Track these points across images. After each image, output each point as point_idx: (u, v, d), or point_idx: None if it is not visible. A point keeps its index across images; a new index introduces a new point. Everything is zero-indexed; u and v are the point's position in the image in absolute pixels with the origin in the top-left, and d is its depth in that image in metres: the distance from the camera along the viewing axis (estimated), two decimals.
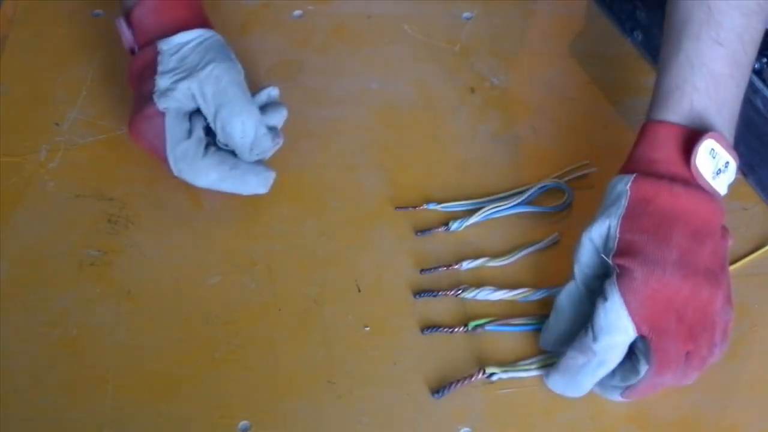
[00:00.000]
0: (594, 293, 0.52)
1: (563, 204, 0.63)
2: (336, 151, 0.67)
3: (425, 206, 0.63)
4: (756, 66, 0.61)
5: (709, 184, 0.51)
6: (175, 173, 0.60)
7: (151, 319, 0.58)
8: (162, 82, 0.59)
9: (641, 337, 0.49)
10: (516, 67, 0.73)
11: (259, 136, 0.61)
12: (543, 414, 0.54)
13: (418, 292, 0.59)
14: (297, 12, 0.77)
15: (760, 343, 0.57)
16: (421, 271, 0.60)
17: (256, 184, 0.62)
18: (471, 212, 0.62)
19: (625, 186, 0.51)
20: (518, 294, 0.58)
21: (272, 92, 0.65)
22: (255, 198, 0.64)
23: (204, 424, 0.54)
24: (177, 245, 0.62)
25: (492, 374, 0.55)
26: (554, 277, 0.58)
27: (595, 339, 0.49)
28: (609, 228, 0.51)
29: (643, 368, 0.50)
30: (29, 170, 0.65)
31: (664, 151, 0.51)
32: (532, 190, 0.63)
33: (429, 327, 0.57)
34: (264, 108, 0.64)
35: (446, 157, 0.67)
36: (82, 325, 0.58)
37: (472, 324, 0.57)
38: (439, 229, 0.62)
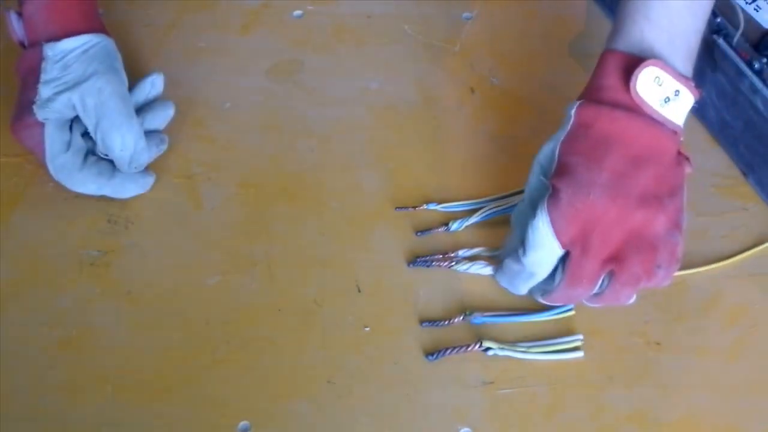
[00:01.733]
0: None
1: None
2: (336, 151, 0.67)
3: (425, 206, 0.63)
4: (756, 66, 0.61)
5: (656, 112, 0.51)
6: (55, 179, 0.61)
7: (151, 319, 0.58)
8: (44, 91, 0.59)
9: (568, 252, 0.51)
10: (516, 67, 0.73)
11: (138, 150, 0.61)
12: (543, 414, 0.54)
13: (412, 261, 0.60)
14: (297, 12, 0.77)
15: (760, 343, 0.57)
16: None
17: (134, 189, 0.63)
18: (471, 212, 0.62)
19: (570, 111, 0.53)
20: None
21: (156, 80, 0.66)
22: (255, 198, 0.64)
23: (204, 425, 0.54)
24: (177, 245, 0.62)
25: (488, 348, 0.55)
26: None
27: (524, 253, 0.52)
28: (552, 150, 0.53)
29: (558, 278, 0.52)
30: (29, 170, 0.65)
31: (610, 79, 0.52)
32: None
33: (428, 321, 0.57)
34: (150, 106, 0.65)
35: (446, 157, 0.67)
36: (82, 325, 0.58)
37: (471, 315, 0.57)
38: (439, 230, 0.62)
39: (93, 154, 0.62)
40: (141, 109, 0.65)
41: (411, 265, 0.60)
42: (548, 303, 0.55)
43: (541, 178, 0.53)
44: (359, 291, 0.59)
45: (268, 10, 0.77)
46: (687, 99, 0.52)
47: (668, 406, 0.54)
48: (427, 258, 0.60)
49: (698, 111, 0.68)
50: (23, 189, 0.64)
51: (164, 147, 0.65)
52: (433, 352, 0.56)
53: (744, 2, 0.64)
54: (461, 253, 0.60)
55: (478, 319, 0.57)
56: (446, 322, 0.57)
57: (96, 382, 0.55)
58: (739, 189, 0.65)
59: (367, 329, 0.58)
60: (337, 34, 0.75)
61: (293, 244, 0.62)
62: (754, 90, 0.61)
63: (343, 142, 0.68)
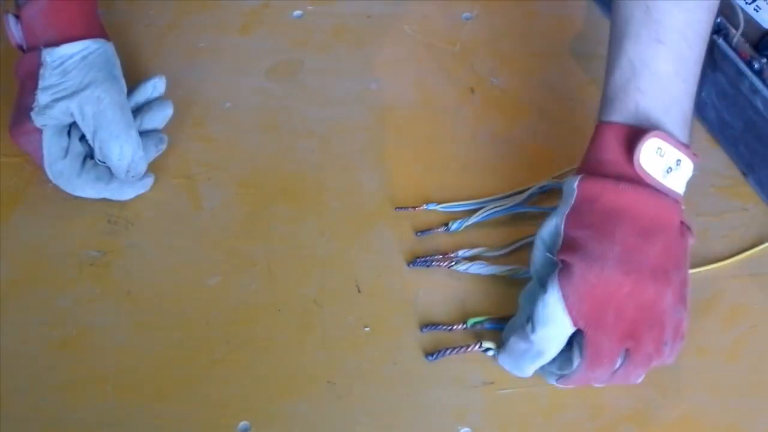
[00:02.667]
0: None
1: None
2: (336, 151, 0.67)
3: (425, 206, 0.63)
4: (756, 66, 0.61)
5: (660, 183, 0.50)
6: (53, 182, 0.61)
7: (151, 319, 0.58)
8: (42, 98, 0.59)
9: (579, 331, 0.50)
10: (516, 67, 0.73)
11: (136, 159, 0.61)
12: (543, 414, 0.54)
13: (412, 261, 0.60)
14: (297, 12, 0.77)
15: (760, 343, 0.57)
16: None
17: (133, 191, 0.63)
18: (471, 212, 0.62)
19: (572, 185, 0.52)
20: (510, 270, 0.59)
21: (158, 83, 0.66)
22: (255, 198, 0.64)
23: (204, 425, 0.54)
24: (177, 245, 0.62)
25: (488, 349, 0.55)
26: None
27: (533, 330, 0.50)
28: (556, 226, 0.52)
29: (576, 360, 0.50)
30: (29, 170, 0.65)
31: (611, 152, 0.51)
32: (532, 191, 0.63)
33: (428, 325, 0.57)
34: (149, 106, 0.65)
35: (446, 157, 0.67)
36: (82, 325, 0.58)
37: (471, 321, 0.57)
38: (439, 230, 0.62)
39: (91, 158, 0.62)
40: (140, 109, 0.65)
41: (411, 265, 0.60)
42: (563, 387, 0.53)
43: (548, 254, 0.52)
44: (359, 291, 0.59)
45: (268, 10, 0.77)
46: (688, 168, 0.51)
47: (668, 406, 0.54)
48: (427, 258, 0.60)
49: (698, 111, 0.68)
50: (23, 189, 0.64)
51: (164, 147, 0.65)
52: (432, 353, 0.56)
53: (744, 2, 0.64)
54: (461, 253, 0.60)
55: (481, 326, 0.57)
56: (447, 328, 0.57)
57: (96, 382, 0.55)
58: (739, 189, 0.65)
59: (367, 329, 0.58)
60: (337, 34, 0.75)
61: (293, 244, 0.62)
62: (754, 90, 0.61)
63: (343, 142, 0.68)
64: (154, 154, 0.64)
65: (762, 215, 0.63)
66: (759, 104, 0.61)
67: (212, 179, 0.65)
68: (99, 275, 0.60)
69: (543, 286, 0.52)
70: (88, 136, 0.60)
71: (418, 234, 0.62)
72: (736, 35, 0.63)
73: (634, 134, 0.51)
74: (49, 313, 0.58)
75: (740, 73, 0.62)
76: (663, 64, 0.52)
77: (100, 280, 0.60)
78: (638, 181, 0.50)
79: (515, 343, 0.53)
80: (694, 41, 0.52)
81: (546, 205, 0.63)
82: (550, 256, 0.52)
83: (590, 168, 0.52)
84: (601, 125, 0.53)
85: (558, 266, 0.50)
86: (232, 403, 0.54)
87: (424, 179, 0.65)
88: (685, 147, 0.51)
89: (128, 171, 0.61)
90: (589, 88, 0.71)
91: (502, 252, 0.61)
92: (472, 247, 0.61)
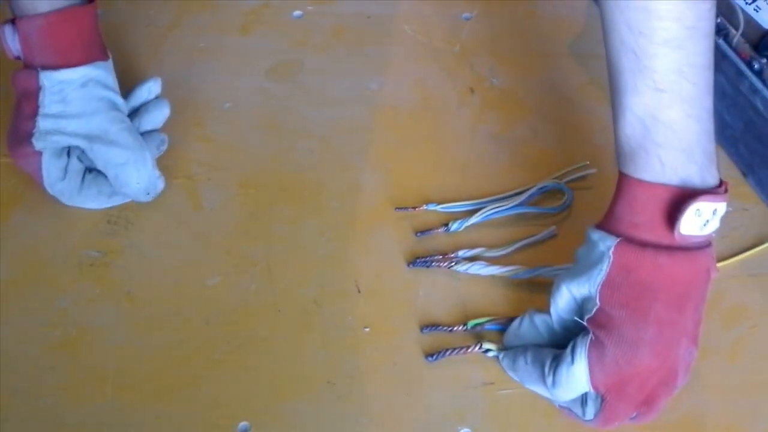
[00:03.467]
0: (566, 327, 0.53)
1: (563, 205, 0.63)
2: (336, 151, 0.67)
3: (425, 207, 0.63)
4: (756, 66, 0.61)
5: (698, 237, 0.48)
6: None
7: (151, 320, 0.58)
8: (43, 124, 0.59)
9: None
10: (516, 67, 0.73)
11: (154, 179, 0.61)
12: (543, 414, 0.54)
13: (412, 261, 0.60)
14: (297, 12, 0.77)
15: (760, 343, 0.57)
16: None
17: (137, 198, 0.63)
18: (471, 213, 0.62)
19: (607, 250, 0.49)
20: (510, 270, 0.59)
21: (153, 87, 0.65)
22: (255, 198, 0.64)
23: (204, 425, 0.54)
24: (177, 245, 0.62)
25: (488, 350, 0.55)
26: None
27: (553, 385, 0.51)
28: (589, 292, 0.50)
29: (590, 414, 0.51)
30: None
31: (645, 214, 0.49)
32: (532, 191, 0.63)
33: (429, 326, 0.57)
34: (145, 107, 0.64)
35: (446, 158, 0.67)
36: (81, 326, 0.58)
37: (471, 323, 0.57)
38: (439, 230, 0.62)
39: (90, 172, 0.62)
40: (137, 111, 0.65)
41: (411, 266, 0.60)
42: (567, 418, 0.53)
43: (576, 319, 0.51)
44: (359, 291, 0.59)
45: (268, 11, 0.77)
46: (722, 210, 0.49)
47: (669, 406, 0.54)
48: (427, 258, 0.60)
49: None
50: (23, 189, 0.64)
51: (164, 148, 0.65)
52: (432, 353, 0.56)
53: (744, 2, 0.64)
54: (461, 253, 0.60)
55: (482, 327, 0.57)
56: (448, 329, 0.57)
57: (96, 382, 0.55)
58: (739, 189, 0.64)
59: (367, 330, 0.58)
60: (337, 34, 0.75)
61: (293, 244, 0.62)
62: (754, 90, 0.61)
63: (343, 143, 0.68)
64: (155, 155, 0.64)
65: (762, 215, 0.63)
66: (759, 104, 0.61)
67: (212, 179, 0.65)
68: (99, 275, 0.60)
69: (562, 326, 0.53)
70: (100, 167, 0.60)
71: (418, 234, 0.62)
72: (736, 35, 0.63)
73: (670, 198, 0.48)
74: (49, 314, 0.58)
75: (740, 73, 0.62)
76: (671, 112, 0.48)
77: (100, 281, 0.60)
78: (676, 246, 0.48)
79: (530, 374, 0.53)
80: (695, 75, 0.48)
81: (546, 206, 0.63)
82: (581, 321, 0.50)
83: (624, 229, 0.49)
84: (631, 181, 0.49)
85: (588, 335, 0.50)
86: (232, 403, 0.54)
87: (424, 179, 0.65)
88: (718, 194, 0.48)
89: (148, 193, 0.61)
90: (589, 88, 0.71)
91: (502, 252, 0.60)
92: (472, 247, 0.61)
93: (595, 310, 0.50)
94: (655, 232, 0.48)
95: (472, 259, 0.60)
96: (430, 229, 0.62)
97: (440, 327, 0.57)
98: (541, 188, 0.63)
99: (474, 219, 0.62)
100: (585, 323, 0.50)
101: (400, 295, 0.59)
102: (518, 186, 0.64)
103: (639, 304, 0.48)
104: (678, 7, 0.46)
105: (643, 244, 0.48)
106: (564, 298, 0.52)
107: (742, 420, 0.54)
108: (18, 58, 0.61)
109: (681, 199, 0.47)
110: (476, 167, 0.66)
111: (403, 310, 0.58)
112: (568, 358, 0.50)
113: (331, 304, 0.59)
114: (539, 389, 0.53)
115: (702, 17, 0.47)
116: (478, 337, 0.57)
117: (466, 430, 0.54)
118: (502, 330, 0.57)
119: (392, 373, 0.56)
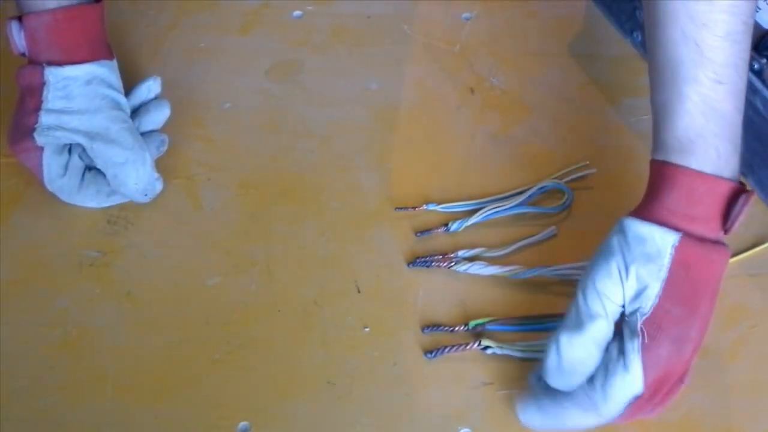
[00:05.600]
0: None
1: (563, 205, 0.63)
2: (336, 151, 0.67)
3: (425, 207, 0.63)
4: (756, 66, 0.61)
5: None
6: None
7: (151, 320, 0.58)
8: (45, 120, 0.59)
9: None
10: (516, 68, 0.73)
11: (152, 180, 0.61)
12: None
13: (412, 261, 0.60)
14: (297, 12, 0.77)
15: (760, 343, 0.57)
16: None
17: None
18: (471, 213, 0.62)
19: (669, 246, 0.48)
20: (510, 270, 0.59)
21: (153, 85, 0.65)
22: (255, 198, 0.64)
23: (204, 425, 0.54)
24: (177, 245, 0.62)
25: (487, 347, 0.55)
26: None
27: (605, 399, 0.48)
28: (647, 288, 0.49)
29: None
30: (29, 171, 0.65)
31: (703, 207, 0.49)
32: (532, 191, 0.63)
33: (429, 326, 0.57)
34: (145, 107, 0.64)
35: (446, 158, 0.67)
36: (82, 326, 0.58)
37: (472, 323, 0.57)
38: (439, 230, 0.62)
39: (90, 170, 0.62)
40: (137, 111, 0.65)
41: (411, 266, 0.60)
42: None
43: (627, 318, 0.49)
44: (359, 291, 0.59)
45: (268, 11, 0.77)
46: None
47: (668, 406, 0.54)
48: (427, 258, 0.60)
49: None
50: (23, 189, 0.64)
51: (164, 148, 0.65)
52: (432, 350, 0.56)
53: None
54: (461, 253, 0.60)
55: (482, 327, 0.57)
56: (449, 329, 0.57)
57: (96, 382, 0.55)
58: None
59: (367, 330, 0.58)
60: (336, 34, 0.75)
61: (293, 244, 0.62)
62: (754, 90, 0.61)
63: (343, 143, 0.68)
64: (155, 155, 0.64)
65: (762, 215, 0.63)
66: (759, 104, 0.61)
67: (212, 179, 0.65)
68: (99, 275, 0.60)
69: (619, 343, 0.49)
70: (100, 166, 0.60)
71: (418, 234, 0.62)
72: None
73: (727, 192, 0.49)
74: (49, 313, 0.58)
75: None
76: (727, 104, 0.50)
77: (100, 281, 0.60)
78: (719, 240, 0.49)
79: (566, 408, 0.50)
80: (743, 70, 0.51)
81: (546, 206, 0.63)
82: (636, 322, 0.49)
83: (681, 223, 0.49)
84: (688, 173, 0.49)
85: (641, 337, 0.48)
86: (231, 403, 0.54)
87: (424, 179, 0.65)
88: (752, 192, 0.50)
89: (146, 194, 0.61)
90: (589, 88, 0.71)
91: (502, 252, 0.60)
92: (472, 247, 0.61)
93: (652, 308, 0.49)
94: (710, 225, 0.49)
95: (472, 259, 0.60)
96: (430, 229, 0.62)
97: (441, 327, 0.57)
98: (541, 188, 0.63)
99: (474, 219, 0.62)
100: (640, 324, 0.48)
101: (400, 295, 0.59)
102: (518, 186, 0.64)
103: (692, 302, 0.49)
104: (737, 2, 0.48)
105: (701, 240, 0.49)
106: (615, 289, 0.49)
107: (742, 420, 0.54)
108: (23, 54, 0.61)
109: (734, 193, 0.49)
110: (476, 167, 0.66)
111: (403, 310, 0.58)
112: (619, 367, 0.48)
113: (330, 304, 0.59)
114: (577, 418, 0.49)
115: (752, 15, 0.50)
116: (477, 334, 0.56)
117: (466, 429, 0.54)
118: (503, 330, 0.57)
119: (392, 373, 0.56)
